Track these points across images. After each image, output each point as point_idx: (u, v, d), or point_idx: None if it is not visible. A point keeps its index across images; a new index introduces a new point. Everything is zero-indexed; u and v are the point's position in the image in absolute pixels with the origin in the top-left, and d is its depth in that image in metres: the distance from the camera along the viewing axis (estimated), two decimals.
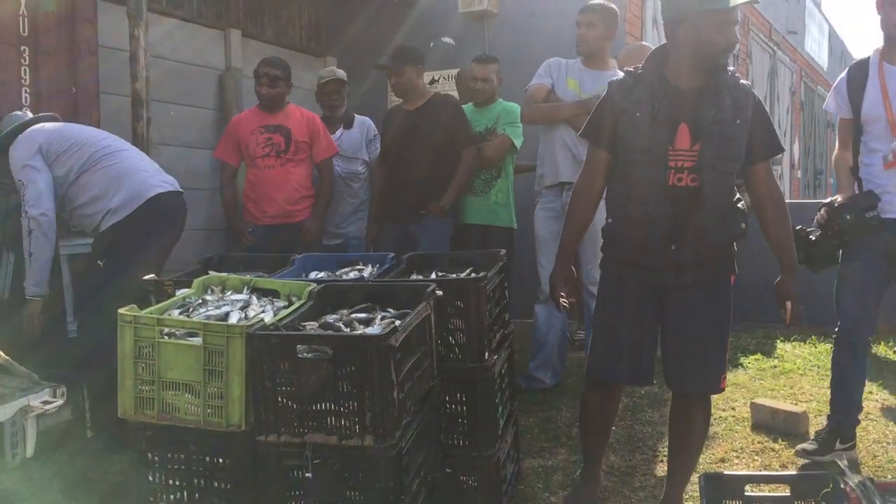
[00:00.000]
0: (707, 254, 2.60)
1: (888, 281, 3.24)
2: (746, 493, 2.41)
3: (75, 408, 3.63)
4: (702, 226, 2.55)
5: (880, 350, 4.94)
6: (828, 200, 3.27)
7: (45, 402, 2.46)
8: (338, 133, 4.78)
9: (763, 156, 2.63)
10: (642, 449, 3.40)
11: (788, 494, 2.38)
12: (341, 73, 4.82)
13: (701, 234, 2.56)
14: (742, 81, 2.60)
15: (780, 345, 5.11)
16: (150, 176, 3.64)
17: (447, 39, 6.35)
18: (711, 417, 3.71)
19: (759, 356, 4.82)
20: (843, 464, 2.79)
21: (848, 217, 3.12)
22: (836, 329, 3.36)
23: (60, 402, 2.48)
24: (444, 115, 4.33)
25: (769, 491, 2.59)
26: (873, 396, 4.02)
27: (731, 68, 2.65)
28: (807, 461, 3.21)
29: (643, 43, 5.39)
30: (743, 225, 2.63)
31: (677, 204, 2.53)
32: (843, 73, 3.34)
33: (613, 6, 4.16)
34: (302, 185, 4.54)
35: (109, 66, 4.85)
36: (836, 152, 3.42)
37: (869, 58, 3.26)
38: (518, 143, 4.48)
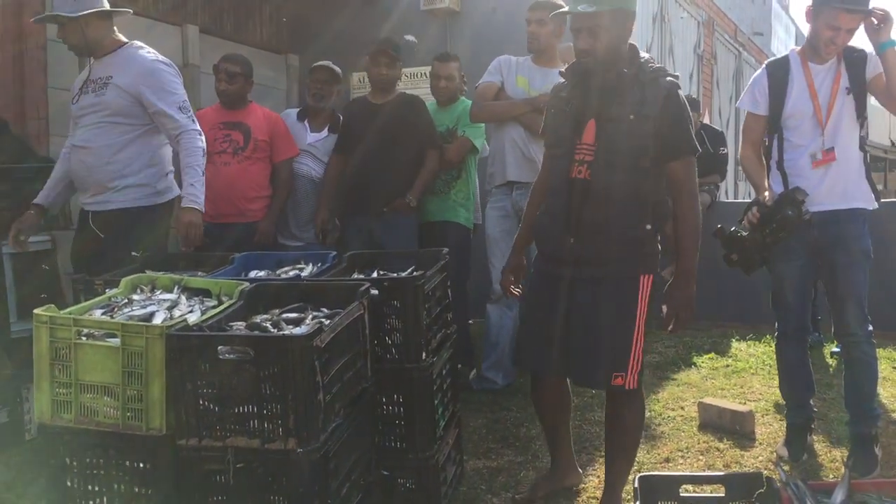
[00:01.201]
0: (607, 250, 2.59)
1: (817, 275, 3.28)
2: (681, 494, 2.40)
3: (12, 410, 3.56)
4: (595, 221, 2.58)
5: (825, 351, 4.96)
6: (753, 200, 3.24)
7: None
8: (323, 133, 4.65)
9: (672, 154, 2.59)
10: (588, 449, 3.38)
11: (723, 495, 2.37)
12: (336, 68, 4.68)
13: (596, 230, 2.58)
14: (668, 78, 2.61)
15: (735, 344, 5.12)
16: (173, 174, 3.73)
17: (409, 37, 6.29)
18: (659, 417, 3.75)
19: (712, 355, 4.82)
20: (780, 464, 2.78)
21: (790, 213, 3.08)
22: (780, 328, 3.35)
23: None
24: (411, 114, 4.27)
25: (711, 491, 2.58)
26: (818, 395, 4.03)
27: (655, 64, 2.66)
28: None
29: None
30: (648, 226, 2.60)
31: (574, 196, 2.61)
32: (761, 71, 3.33)
33: (562, 3, 4.13)
34: (259, 185, 4.44)
35: (58, 61, 4.75)
36: (743, 150, 3.38)
37: (787, 56, 3.28)
38: (479, 143, 4.43)
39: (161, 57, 3.62)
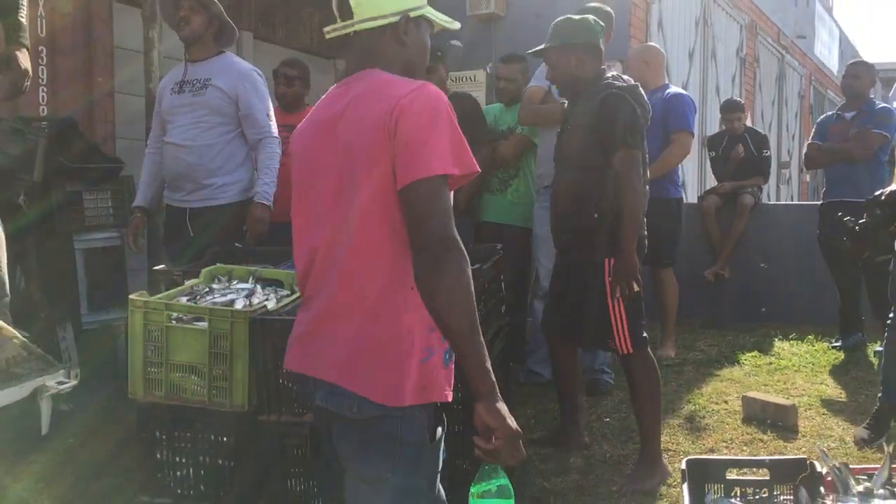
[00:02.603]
0: (571, 238, 3.21)
1: None
2: (728, 478, 2.51)
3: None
4: (559, 215, 3.27)
5: (869, 350, 5.00)
6: (878, 192, 3.41)
7: (60, 383, 2.58)
8: None
9: (609, 150, 3.05)
10: (634, 439, 3.49)
11: (768, 479, 2.48)
12: None
13: (561, 222, 3.26)
14: (612, 91, 3.07)
15: (777, 343, 5.18)
16: None
17: (455, 42, 6.44)
18: (703, 410, 3.86)
19: (755, 353, 4.90)
20: (822, 450, 2.84)
21: (878, 212, 3.27)
22: (893, 317, 3.37)
23: (74, 382, 2.60)
24: (459, 112, 4.40)
25: (756, 475, 2.68)
26: (861, 392, 4.11)
27: (612, 73, 3.21)
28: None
29: (651, 44, 5.48)
30: (595, 216, 3.06)
31: (552, 197, 3.36)
32: None
33: (608, 8, 4.25)
34: None
35: (124, 67, 5.01)
36: None
37: None
38: (537, 141, 4.47)
39: (255, 67, 3.86)
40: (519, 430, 1.52)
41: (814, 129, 5.39)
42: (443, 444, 1.66)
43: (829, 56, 16.22)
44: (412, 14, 1.72)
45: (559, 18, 3.30)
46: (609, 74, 3.21)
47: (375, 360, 1.56)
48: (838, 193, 4.87)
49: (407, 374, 1.56)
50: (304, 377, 1.69)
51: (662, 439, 3.50)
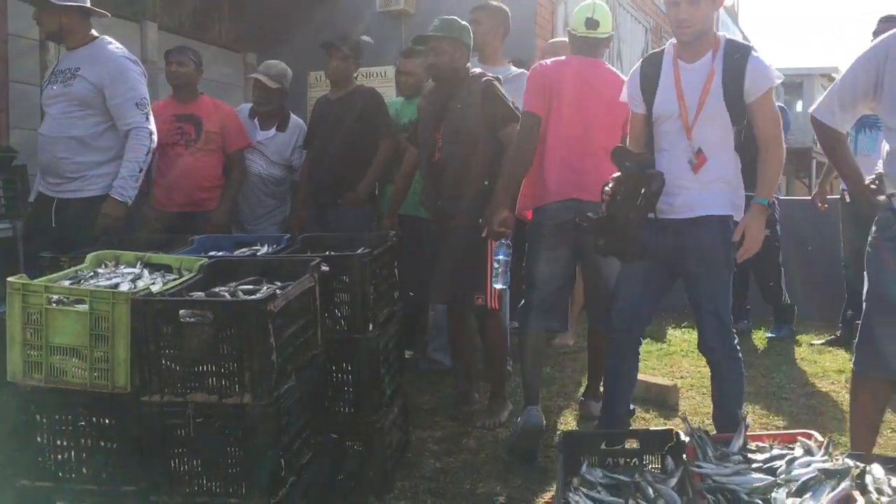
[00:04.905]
0: (460, 204, 3.67)
1: (668, 284, 3.12)
2: (602, 449, 2.65)
3: None
4: (450, 185, 3.70)
5: (754, 338, 5.29)
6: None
7: None
8: (270, 133, 4.83)
9: (499, 125, 3.60)
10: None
11: (638, 448, 2.64)
12: (278, 70, 4.75)
13: (452, 192, 3.69)
14: (484, 79, 3.71)
15: (670, 331, 5.43)
16: None
17: (365, 38, 6.49)
18: None
19: (648, 340, 5.10)
20: (686, 421, 2.96)
21: (627, 164, 2.89)
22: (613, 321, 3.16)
23: None
24: (362, 105, 4.47)
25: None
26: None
27: (475, 69, 3.86)
28: None
29: (560, 39, 5.65)
30: (486, 182, 3.60)
31: (435, 172, 3.79)
32: (636, 66, 3.12)
33: (505, 7, 4.40)
34: (211, 175, 4.60)
35: (19, 56, 4.87)
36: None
37: (663, 51, 3.04)
38: None
39: (129, 54, 3.77)
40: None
41: None
42: None
43: None
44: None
45: (444, 17, 3.81)
46: (474, 69, 3.81)
47: None
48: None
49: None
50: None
51: (555, 420, 3.68)
